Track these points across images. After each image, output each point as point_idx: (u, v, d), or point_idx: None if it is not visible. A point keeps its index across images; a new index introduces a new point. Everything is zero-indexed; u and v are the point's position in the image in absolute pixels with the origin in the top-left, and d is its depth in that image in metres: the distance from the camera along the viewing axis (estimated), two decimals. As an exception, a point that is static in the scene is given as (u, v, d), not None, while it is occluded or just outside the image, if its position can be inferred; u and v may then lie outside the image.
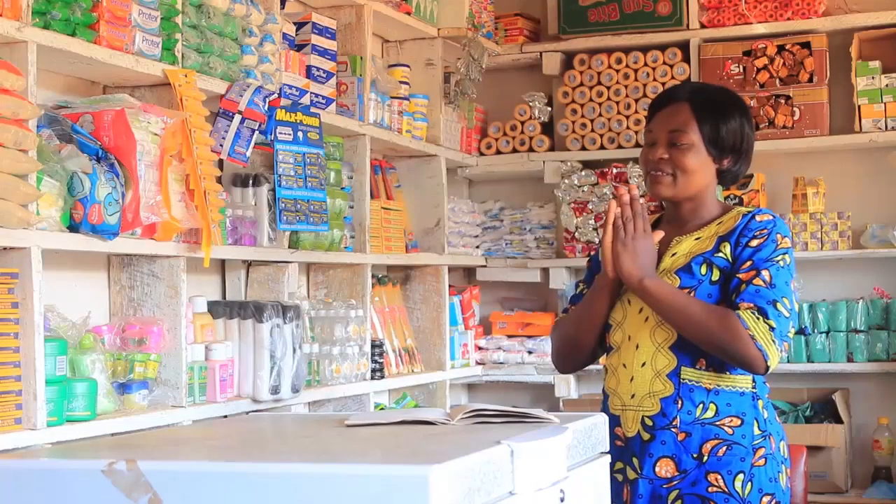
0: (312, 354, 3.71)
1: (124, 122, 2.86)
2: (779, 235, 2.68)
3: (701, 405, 2.66)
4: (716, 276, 2.68)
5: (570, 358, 2.91)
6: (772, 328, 2.59)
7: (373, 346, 4.06)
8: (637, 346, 2.72)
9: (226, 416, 3.20)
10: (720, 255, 2.68)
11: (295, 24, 3.80)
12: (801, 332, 4.81)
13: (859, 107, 4.75)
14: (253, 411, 3.29)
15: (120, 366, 2.98)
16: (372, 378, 4.04)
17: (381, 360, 4.12)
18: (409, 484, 1.73)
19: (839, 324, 4.78)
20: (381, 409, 4.19)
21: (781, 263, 2.65)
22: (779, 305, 2.60)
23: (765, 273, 2.63)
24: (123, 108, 2.88)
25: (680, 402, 2.66)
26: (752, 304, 2.60)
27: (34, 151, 2.62)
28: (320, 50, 3.87)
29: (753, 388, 2.70)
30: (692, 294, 2.66)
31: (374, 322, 4.25)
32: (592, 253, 3.00)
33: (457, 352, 4.85)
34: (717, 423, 2.66)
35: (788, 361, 4.76)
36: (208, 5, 3.22)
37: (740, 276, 2.65)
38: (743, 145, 2.80)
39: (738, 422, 2.67)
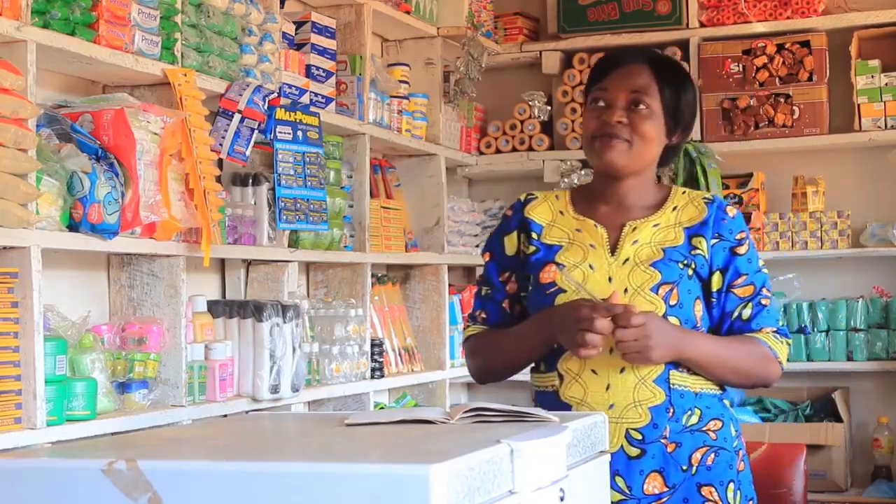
0: (312, 354, 3.71)
1: (124, 122, 2.86)
2: (750, 234, 2.54)
3: (689, 411, 2.45)
4: (691, 271, 2.47)
5: (493, 379, 2.64)
6: (788, 344, 2.57)
7: (372, 346, 4.06)
8: (611, 350, 2.39)
9: (225, 416, 3.19)
10: (698, 252, 2.48)
11: (294, 23, 3.80)
12: (800, 330, 4.81)
13: (859, 105, 4.75)
14: (252, 410, 3.29)
15: (120, 365, 2.98)
16: (372, 377, 4.04)
17: (381, 360, 4.12)
18: (409, 483, 1.73)
19: (839, 322, 4.78)
20: (381, 408, 4.19)
21: (765, 270, 2.55)
22: (780, 320, 2.57)
23: (763, 290, 2.52)
24: (123, 108, 2.88)
25: (671, 409, 2.43)
26: (772, 328, 2.51)
27: (34, 151, 2.61)
28: (320, 49, 3.87)
29: (722, 387, 2.53)
30: (674, 290, 2.43)
31: (374, 321, 4.25)
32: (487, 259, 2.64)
33: (456, 351, 4.84)
34: (703, 428, 2.47)
35: (788, 360, 4.75)
36: (208, 4, 3.22)
37: (737, 291, 2.49)
38: (692, 122, 2.57)
39: (719, 424, 2.48)
